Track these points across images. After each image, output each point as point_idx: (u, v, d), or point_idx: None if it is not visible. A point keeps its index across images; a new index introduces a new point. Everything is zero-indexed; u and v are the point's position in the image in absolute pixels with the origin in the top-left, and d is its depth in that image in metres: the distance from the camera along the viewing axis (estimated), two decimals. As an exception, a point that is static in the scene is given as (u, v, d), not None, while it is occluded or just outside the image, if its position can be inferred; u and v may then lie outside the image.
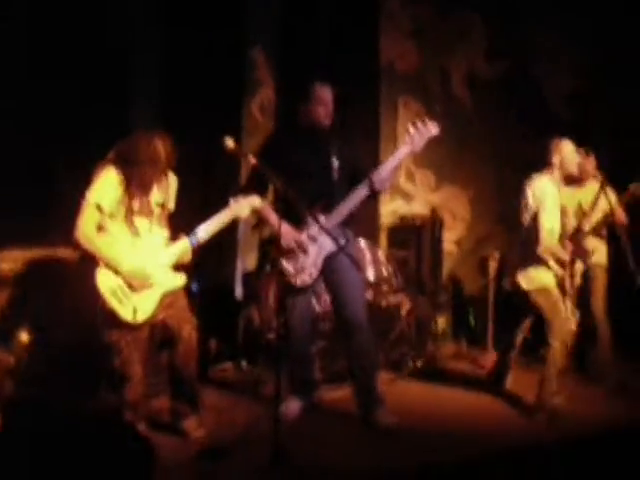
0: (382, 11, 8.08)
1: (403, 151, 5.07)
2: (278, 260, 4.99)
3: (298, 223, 5.01)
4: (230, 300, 6.97)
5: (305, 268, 5.04)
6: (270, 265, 5.19)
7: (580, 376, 6.28)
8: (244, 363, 6.36)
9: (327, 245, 5.00)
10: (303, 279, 5.06)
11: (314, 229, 5.00)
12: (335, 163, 5.10)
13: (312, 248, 5.04)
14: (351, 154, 5.27)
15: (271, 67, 7.50)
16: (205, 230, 4.65)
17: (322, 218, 4.93)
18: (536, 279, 5.46)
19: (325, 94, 5.09)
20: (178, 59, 6.62)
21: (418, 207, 8.11)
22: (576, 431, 5.10)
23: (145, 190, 4.55)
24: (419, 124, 5.05)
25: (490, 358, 6.87)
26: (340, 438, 4.88)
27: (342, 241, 4.94)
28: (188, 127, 6.39)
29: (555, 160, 5.62)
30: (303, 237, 5.02)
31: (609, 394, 5.93)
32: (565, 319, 5.41)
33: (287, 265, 5.04)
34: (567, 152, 5.68)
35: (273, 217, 4.96)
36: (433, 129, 5.07)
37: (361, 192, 4.98)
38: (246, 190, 4.95)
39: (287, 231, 4.94)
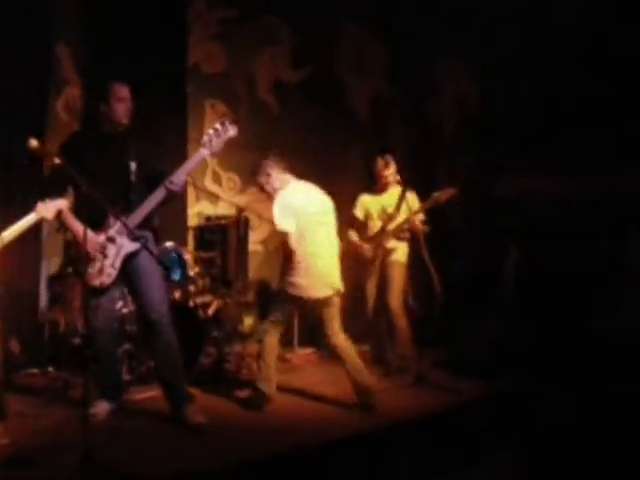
0: (189, 13, 8.10)
1: (200, 154, 5.16)
2: (79, 263, 4.96)
3: (96, 225, 5.00)
4: (33, 303, 6.81)
5: (104, 269, 5.04)
6: (73, 268, 5.15)
7: (381, 370, 6.57)
8: (50, 368, 6.22)
9: (125, 246, 5.04)
10: (102, 280, 5.05)
11: (112, 230, 5.02)
12: (132, 165, 5.11)
13: (110, 249, 5.04)
14: (151, 156, 5.32)
15: (77, 66, 7.35)
16: (10, 233, 4.56)
17: (123, 218, 4.94)
18: None
19: (122, 92, 5.13)
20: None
21: (224, 209, 8.18)
22: (381, 422, 5.38)
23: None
24: (218, 126, 5.16)
25: (297, 355, 7.08)
26: (150, 439, 4.91)
27: (135, 245, 4.99)
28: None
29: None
30: (102, 239, 5.02)
31: (409, 386, 6.24)
32: None
33: (87, 267, 5.00)
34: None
35: (74, 222, 4.96)
36: (231, 131, 5.16)
37: (158, 195, 5.04)
38: (48, 191, 4.88)
39: (89, 236, 4.91)
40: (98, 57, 7.19)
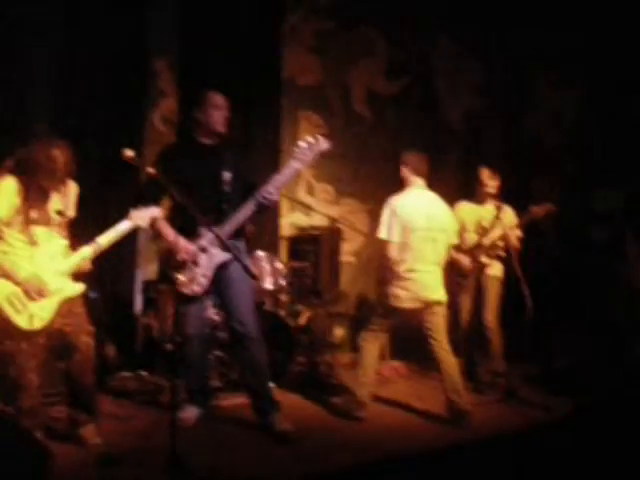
0: (284, 25, 8.18)
1: (292, 167, 5.12)
2: (173, 271, 5.06)
3: (189, 234, 5.09)
4: (129, 309, 6.98)
5: (196, 278, 5.11)
6: (166, 275, 5.24)
7: (473, 385, 6.49)
8: (143, 372, 6.35)
9: (217, 256, 5.09)
10: (193, 289, 5.12)
11: (205, 240, 5.08)
12: (227, 175, 5.15)
13: (202, 259, 5.10)
14: (245, 167, 5.38)
15: (174, 78, 7.53)
16: (105, 239, 4.68)
17: (215, 229, 5.01)
18: None
19: (218, 100, 5.22)
20: (82, 69, 6.59)
21: (317, 220, 8.23)
22: (472, 437, 5.32)
23: (43, 199, 4.54)
24: (310, 139, 5.13)
25: (387, 366, 7.05)
26: (236, 444, 4.97)
27: (227, 255, 5.05)
28: (90, 138, 6.40)
29: None
30: (194, 248, 5.09)
31: (499, 402, 6.14)
32: None
33: (180, 275, 5.08)
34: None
35: (168, 230, 5.06)
36: (323, 144, 5.11)
37: (249, 207, 5.07)
38: (143, 200, 4.98)
39: (181, 244, 5.03)
40: (194, 70, 7.32)
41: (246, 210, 5.07)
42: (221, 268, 5.13)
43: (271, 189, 5.05)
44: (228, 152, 5.25)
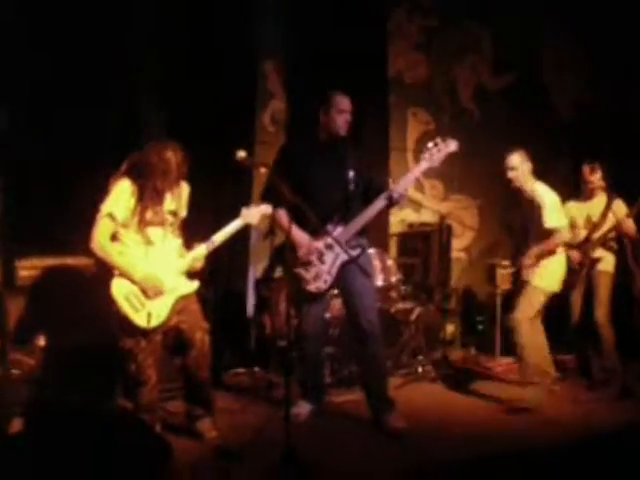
0: (390, 23, 8.20)
1: (423, 166, 5.18)
2: (291, 267, 5.14)
3: (314, 231, 5.14)
4: (242, 307, 7.11)
5: (321, 275, 5.18)
6: (283, 271, 5.31)
7: (586, 383, 6.37)
8: (256, 368, 6.47)
9: (342, 254, 5.12)
10: (318, 286, 5.19)
11: (331, 238, 5.11)
12: (351, 174, 5.21)
13: (328, 256, 5.17)
14: (366, 165, 5.40)
15: (282, 79, 7.64)
16: (218, 237, 4.80)
17: (339, 229, 5.11)
18: None
19: (345, 104, 5.24)
20: (190, 71, 6.72)
21: (427, 216, 8.22)
22: (588, 435, 5.20)
23: (158, 200, 4.67)
24: (438, 140, 5.19)
25: (498, 363, 6.99)
26: (349, 440, 5.00)
27: (357, 251, 5.11)
28: (201, 139, 6.53)
29: None
30: (320, 245, 5.16)
31: (614, 399, 6.02)
32: None
33: (303, 272, 5.17)
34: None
35: (295, 228, 5.03)
36: (452, 145, 5.18)
37: (379, 204, 5.10)
38: (261, 200, 5.12)
39: (304, 240, 5.11)
40: (302, 71, 7.42)
41: (374, 208, 5.12)
42: (344, 265, 5.18)
43: (402, 187, 5.13)
44: (350, 150, 5.31)
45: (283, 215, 4.99)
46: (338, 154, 5.27)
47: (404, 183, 5.17)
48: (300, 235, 5.11)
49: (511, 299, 6.24)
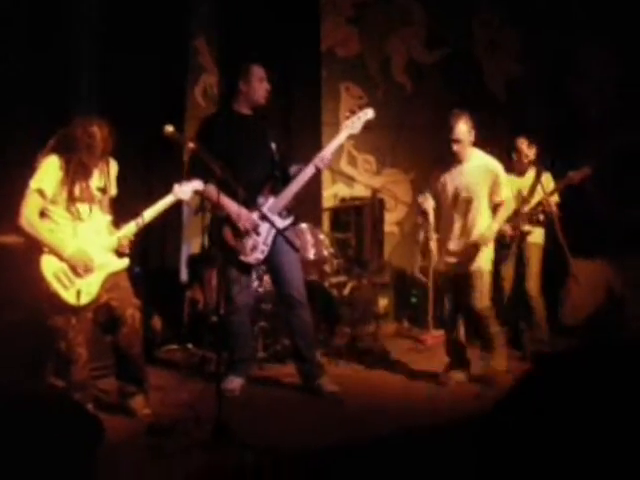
0: (322, -2, 8.19)
1: (344, 132, 5.36)
2: (224, 241, 5.18)
3: (244, 204, 5.18)
4: (174, 283, 7.09)
5: (257, 246, 5.26)
6: (219, 246, 5.32)
7: (516, 354, 6.48)
8: (189, 344, 6.46)
9: (277, 223, 5.19)
10: (257, 257, 5.29)
11: (265, 208, 5.19)
12: (273, 145, 5.33)
13: (263, 227, 5.24)
14: (283, 138, 5.58)
15: (214, 53, 7.59)
16: (148, 214, 4.77)
17: (270, 200, 5.22)
18: None
19: (261, 72, 5.31)
20: (122, 48, 6.67)
21: (360, 190, 8.25)
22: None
23: (85, 175, 4.63)
24: (356, 109, 5.42)
25: (431, 335, 7.07)
26: (281, 413, 5.04)
27: (290, 219, 5.31)
28: (133, 115, 6.48)
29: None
30: (255, 217, 5.20)
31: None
32: None
33: (240, 244, 5.23)
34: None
35: (228, 201, 5.11)
36: (369, 113, 5.36)
37: (307, 173, 5.23)
38: (189, 175, 5.08)
39: (243, 211, 5.17)
40: (233, 45, 7.37)
41: (303, 177, 5.25)
42: (276, 236, 5.25)
43: (327, 154, 5.27)
44: (268, 123, 5.45)
45: (213, 191, 4.96)
46: (259, 126, 5.36)
47: (327, 151, 5.30)
48: (236, 208, 5.15)
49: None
